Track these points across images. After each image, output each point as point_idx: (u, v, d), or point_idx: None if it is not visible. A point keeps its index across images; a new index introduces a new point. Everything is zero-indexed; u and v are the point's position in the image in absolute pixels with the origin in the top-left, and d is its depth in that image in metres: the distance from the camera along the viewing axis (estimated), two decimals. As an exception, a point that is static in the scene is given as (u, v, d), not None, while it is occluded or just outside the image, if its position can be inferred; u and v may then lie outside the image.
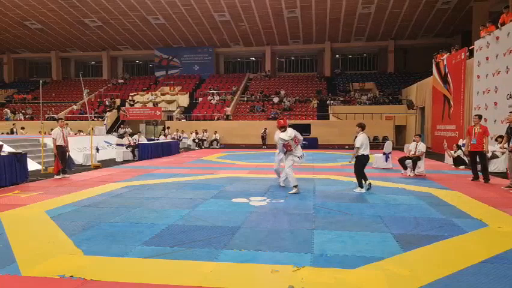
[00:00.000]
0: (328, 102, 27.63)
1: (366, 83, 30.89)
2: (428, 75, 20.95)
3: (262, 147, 22.96)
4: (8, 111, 29.80)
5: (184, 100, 30.07)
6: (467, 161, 11.75)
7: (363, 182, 7.56)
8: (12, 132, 22.53)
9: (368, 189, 7.48)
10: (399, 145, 22.51)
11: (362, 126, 7.62)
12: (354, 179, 7.72)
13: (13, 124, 24.32)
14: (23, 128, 22.31)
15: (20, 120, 27.94)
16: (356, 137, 7.51)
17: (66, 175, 9.72)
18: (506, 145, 8.10)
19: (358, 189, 7.46)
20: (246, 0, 25.36)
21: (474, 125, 8.94)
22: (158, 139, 20.47)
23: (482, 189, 7.86)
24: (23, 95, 33.69)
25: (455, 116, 16.44)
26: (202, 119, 27.06)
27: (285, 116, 23.84)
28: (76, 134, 19.66)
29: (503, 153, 10.19)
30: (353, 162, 7.57)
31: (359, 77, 33.07)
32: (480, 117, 9.02)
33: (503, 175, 9.62)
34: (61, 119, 10.29)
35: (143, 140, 16.26)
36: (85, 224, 5.01)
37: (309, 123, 23.39)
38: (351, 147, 8.78)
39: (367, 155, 7.47)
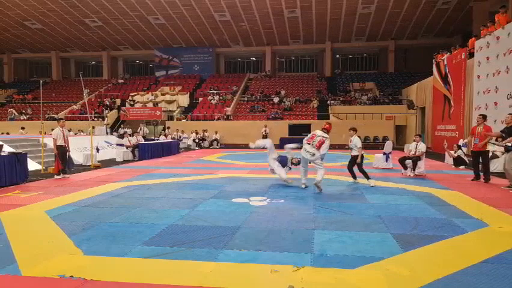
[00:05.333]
0: (328, 102, 27.62)
1: (367, 83, 30.84)
2: (428, 75, 20.94)
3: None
4: (14, 111, 29.80)
5: (184, 100, 30.07)
6: (467, 161, 11.75)
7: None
8: (108, 133, 21.52)
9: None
10: (399, 145, 22.49)
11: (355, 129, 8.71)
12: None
13: (106, 124, 23.29)
14: (23, 128, 22.34)
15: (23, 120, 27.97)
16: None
17: (66, 175, 9.72)
18: (500, 140, 8.14)
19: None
20: (246, 0, 25.35)
21: (478, 125, 8.93)
22: (158, 139, 20.47)
23: (483, 189, 7.85)
24: (23, 95, 33.67)
25: (455, 116, 16.43)
26: (203, 119, 27.06)
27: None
28: (76, 134, 19.67)
29: (502, 153, 10.18)
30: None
31: (359, 77, 33.04)
32: (484, 117, 8.99)
33: (503, 175, 9.59)
34: (61, 119, 10.29)
35: (140, 139, 16.24)
36: (85, 224, 5.01)
37: (309, 123, 23.38)
38: (348, 147, 9.03)
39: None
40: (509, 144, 7.67)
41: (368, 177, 8.30)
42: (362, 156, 8.52)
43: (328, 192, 7.40)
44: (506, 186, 7.90)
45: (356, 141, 8.39)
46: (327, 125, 7.71)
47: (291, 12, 26.89)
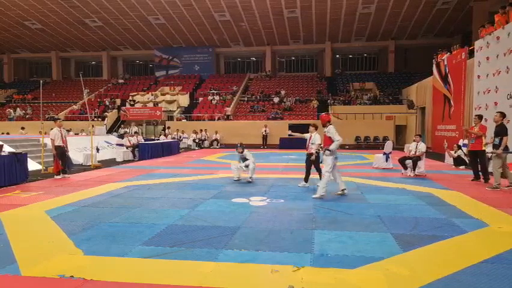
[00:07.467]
0: (328, 102, 27.63)
1: (367, 83, 30.85)
2: (428, 75, 20.94)
3: (262, 147, 22.96)
4: (12, 111, 29.80)
5: (184, 100, 30.08)
6: (467, 161, 11.75)
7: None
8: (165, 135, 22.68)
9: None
10: (399, 145, 22.49)
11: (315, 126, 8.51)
12: (354, 179, 7.77)
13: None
14: (23, 128, 22.33)
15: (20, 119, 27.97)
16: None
17: (66, 175, 9.72)
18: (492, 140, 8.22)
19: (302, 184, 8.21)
20: (246, 0, 25.35)
21: (474, 125, 8.99)
22: (158, 139, 20.47)
23: (482, 189, 7.85)
24: (23, 95, 33.65)
25: (455, 116, 16.43)
26: (203, 119, 27.07)
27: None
28: (77, 134, 19.66)
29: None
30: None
31: (359, 77, 33.05)
32: (480, 117, 9.04)
33: (502, 175, 9.59)
34: (59, 118, 10.27)
35: (140, 139, 16.23)
36: (85, 224, 5.01)
37: (310, 123, 23.37)
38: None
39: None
40: (496, 142, 7.76)
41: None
42: (318, 154, 8.16)
43: (328, 192, 7.39)
44: (506, 186, 7.89)
45: (315, 138, 8.25)
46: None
47: (291, 12, 26.89)
